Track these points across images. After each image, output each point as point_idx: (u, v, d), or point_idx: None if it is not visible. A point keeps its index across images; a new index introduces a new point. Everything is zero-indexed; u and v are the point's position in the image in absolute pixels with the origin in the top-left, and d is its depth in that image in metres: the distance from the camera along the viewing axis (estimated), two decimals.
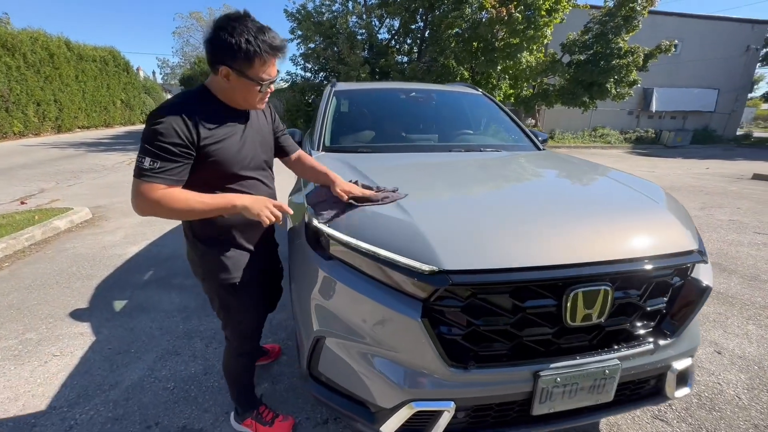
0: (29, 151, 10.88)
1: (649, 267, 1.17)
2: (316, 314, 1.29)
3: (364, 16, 14.93)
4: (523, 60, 12.94)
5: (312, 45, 14.71)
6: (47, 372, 1.99)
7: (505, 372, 1.15)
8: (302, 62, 15.19)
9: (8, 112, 13.58)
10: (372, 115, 2.67)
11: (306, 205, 1.49)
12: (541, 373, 1.14)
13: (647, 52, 13.17)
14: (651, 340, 1.27)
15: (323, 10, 14.88)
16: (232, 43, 1.09)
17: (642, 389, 1.37)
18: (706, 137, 19.59)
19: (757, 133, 25.70)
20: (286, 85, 16.19)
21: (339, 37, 13.81)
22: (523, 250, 1.12)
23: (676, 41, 15.61)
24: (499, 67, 13.30)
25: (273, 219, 1.23)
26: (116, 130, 19.87)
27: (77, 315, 2.55)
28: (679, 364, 1.32)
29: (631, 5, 12.48)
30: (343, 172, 1.62)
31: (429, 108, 2.80)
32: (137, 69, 28.65)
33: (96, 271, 3.26)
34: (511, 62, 13.01)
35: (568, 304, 1.11)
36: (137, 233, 4.22)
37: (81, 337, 2.29)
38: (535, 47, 12.94)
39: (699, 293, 1.28)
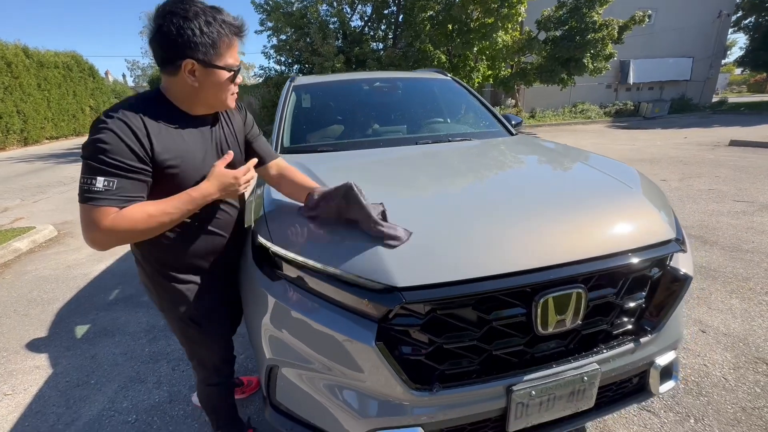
0: None
1: (624, 263, 1.07)
2: (267, 341, 1.16)
3: (335, 4, 14.50)
4: (499, 40, 12.78)
5: (284, 37, 14.25)
6: None
7: (474, 390, 1.04)
8: (275, 55, 14.72)
9: None
10: (334, 110, 2.51)
11: (252, 219, 1.35)
12: (514, 387, 1.04)
13: (621, 24, 13.12)
14: (631, 338, 1.18)
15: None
16: (191, 29, 0.91)
17: (625, 389, 1.29)
18: (684, 106, 19.80)
19: (732, 99, 26.14)
20: (260, 80, 15.73)
21: (311, 27, 13.39)
22: (484, 258, 1.01)
23: (650, 11, 15.55)
24: (475, 49, 13.13)
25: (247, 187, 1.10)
26: (86, 139, 19.14)
27: (34, 346, 2.38)
28: (662, 359, 1.24)
29: None
30: None
31: (395, 98, 2.65)
32: (105, 73, 27.61)
33: (58, 293, 3.07)
34: (487, 43, 12.85)
35: (539, 312, 1.01)
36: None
37: (36, 371, 2.13)
38: (510, 26, 12.79)
39: (679, 284, 1.19)
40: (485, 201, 1.29)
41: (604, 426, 1.58)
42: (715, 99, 22.18)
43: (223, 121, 1.17)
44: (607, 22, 12.76)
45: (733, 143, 8.66)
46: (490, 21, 12.20)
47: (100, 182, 0.89)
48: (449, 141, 2.13)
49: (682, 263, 1.24)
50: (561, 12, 13.20)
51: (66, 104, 19.03)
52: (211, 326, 1.25)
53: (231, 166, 1.10)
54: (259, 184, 1.72)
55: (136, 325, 2.54)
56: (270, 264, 1.18)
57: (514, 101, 17.78)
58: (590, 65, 13.19)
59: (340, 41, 14.52)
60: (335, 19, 14.47)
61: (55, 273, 3.48)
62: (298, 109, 2.48)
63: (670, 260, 1.21)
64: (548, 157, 1.85)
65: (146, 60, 48.39)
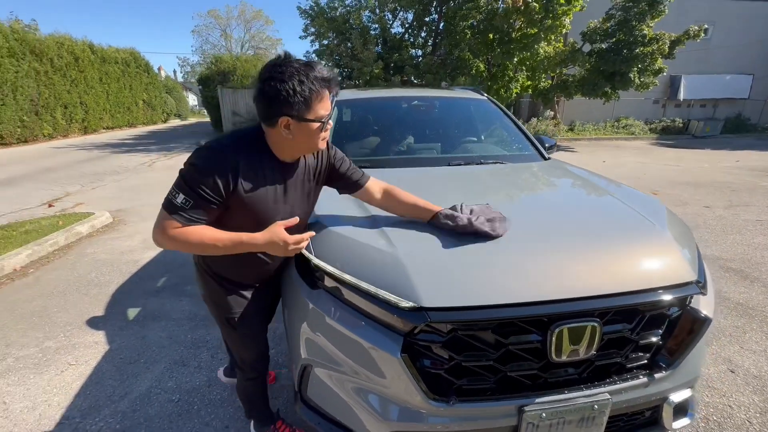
0: (57, 154, 11.37)
1: (640, 301, 1.13)
2: (303, 343, 1.30)
3: (377, 11, 14.78)
4: (541, 51, 12.56)
5: (326, 41, 14.69)
6: (63, 381, 2.09)
7: (488, 406, 1.13)
8: (316, 59, 15.19)
9: (38, 116, 14.19)
10: (372, 127, 2.66)
11: None
12: (526, 408, 1.12)
13: (674, 38, 12.53)
14: (645, 372, 1.23)
15: (336, 5, 14.83)
16: (285, 90, 1.03)
17: (637, 420, 1.33)
18: (739, 126, 18.57)
19: None
20: None
21: (352, 32, 13.74)
22: (505, 286, 1.10)
23: (706, 25, 14.74)
24: (515, 59, 12.96)
25: (293, 253, 1.21)
26: (139, 130, 20.50)
27: (93, 323, 2.67)
28: (677, 396, 1.28)
29: None
30: (334, 192, 1.63)
31: (431, 116, 2.76)
32: (158, 69, 29.43)
33: (113, 277, 3.40)
34: (528, 53, 12.65)
35: (553, 340, 1.09)
36: None
37: (95, 346, 2.40)
38: (553, 37, 12.54)
39: (697, 325, 1.23)
40: (512, 230, 1.38)
41: None
42: None
43: (304, 165, 1.29)
44: (658, 36, 12.24)
45: None
46: (533, 32, 12.03)
47: (180, 198, 1.08)
48: (481, 163, 2.22)
49: (703, 305, 1.27)
50: (609, 24, 12.80)
51: (122, 97, 20.48)
52: (246, 329, 1.41)
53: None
54: None
55: (180, 313, 2.79)
56: (311, 275, 1.33)
57: (552, 113, 17.37)
58: (637, 80, 12.69)
59: (379, 47, 14.79)
60: (377, 25, 14.74)
61: (111, 257, 3.84)
62: (339, 123, 2.64)
63: (690, 301, 1.25)
64: (577, 188, 1.90)
65: (195, 57, 51.07)
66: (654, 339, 1.22)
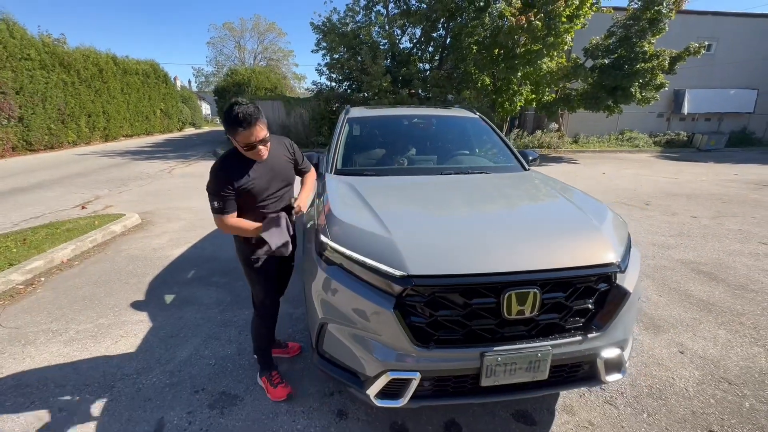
0: (82, 160, 12.07)
1: (569, 276, 1.53)
2: (321, 305, 1.72)
3: (387, 27, 15.43)
4: (544, 66, 13.02)
5: (336, 56, 15.35)
6: (118, 349, 2.53)
7: (458, 351, 1.53)
8: (327, 72, 15.86)
9: (64, 124, 15.02)
10: (379, 140, 3.10)
11: (316, 220, 1.94)
12: (486, 354, 1.51)
13: (674, 55, 12.90)
14: (580, 332, 1.61)
15: (347, 21, 15.52)
16: (226, 126, 1.71)
17: (578, 372, 1.71)
18: (744, 140, 18.73)
19: None
20: (311, 95, 16.94)
21: (362, 47, 14.37)
22: (469, 261, 1.51)
23: (707, 42, 15.08)
24: (519, 74, 13.42)
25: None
26: (156, 138, 21.36)
27: (136, 305, 3.11)
28: (608, 354, 1.66)
29: (656, 8, 12.31)
30: (347, 194, 2.08)
31: (429, 132, 3.20)
32: (174, 79, 30.55)
33: (148, 269, 3.86)
34: (532, 69, 13.12)
35: (504, 302, 1.49)
36: (181, 237, 4.84)
37: (141, 324, 2.84)
38: (555, 53, 12.99)
39: (621, 297, 1.62)
40: (479, 221, 1.80)
41: (570, 408, 1.98)
42: None
43: (274, 155, 1.90)
44: (658, 53, 12.63)
45: None
46: (536, 48, 12.50)
47: (214, 203, 1.77)
48: (468, 173, 2.64)
49: (627, 282, 1.66)
50: (610, 41, 13.23)
51: (142, 107, 21.42)
52: (263, 273, 1.97)
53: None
54: (318, 195, 2.33)
55: (209, 299, 3.22)
56: (327, 253, 1.75)
57: (557, 125, 17.76)
58: (638, 94, 13.05)
59: (388, 61, 15.40)
60: (386, 41, 15.37)
61: (144, 253, 4.31)
62: (350, 137, 3.09)
63: (616, 278, 1.64)
64: (540, 192, 2.31)
65: (209, 68, 52.58)
66: (586, 306, 1.61)
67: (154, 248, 4.46)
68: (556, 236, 1.70)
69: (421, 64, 16.28)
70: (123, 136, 19.83)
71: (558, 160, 13.54)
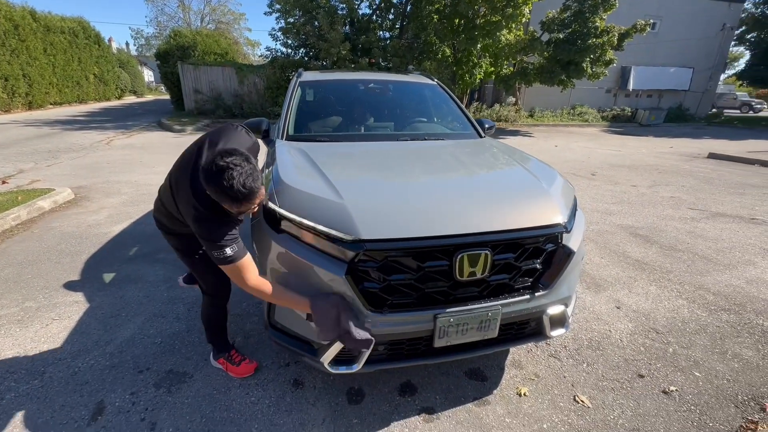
0: (1, 130, 10.67)
1: (519, 237, 1.55)
2: (272, 275, 1.64)
3: None
4: (503, 38, 13.07)
5: (291, 19, 14.44)
6: (49, 333, 2.31)
7: (412, 315, 1.53)
8: (282, 38, 14.93)
9: None
10: (333, 106, 2.96)
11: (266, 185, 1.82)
12: (439, 316, 1.53)
13: (623, 31, 13.43)
14: (528, 291, 1.67)
15: None
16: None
17: (525, 329, 1.79)
18: (680, 116, 20.24)
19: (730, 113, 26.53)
20: (266, 62, 15.94)
21: (319, 11, 13.60)
22: (422, 224, 1.49)
23: (652, 20, 15.87)
24: (479, 45, 13.40)
25: None
26: (91, 107, 19.33)
27: (70, 286, 2.85)
28: (553, 310, 1.73)
29: None
30: (298, 160, 1.96)
31: (386, 98, 3.10)
32: (109, 40, 27.44)
33: (84, 247, 3.53)
34: (491, 40, 13.13)
35: (456, 264, 1.49)
36: (121, 212, 4.46)
37: (76, 305, 2.61)
38: (514, 25, 13.05)
39: (566, 256, 1.69)
40: (432, 185, 1.78)
41: (519, 363, 2.09)
42: (712, 111, 22.61)
43: None
44: (608, 29, 13.07)
45: (711, 156, 9.17)
46: (495, 19, 12.47)
47: (226, 250, 1.41)
48: (425, 139, 2.60)
49: (572, 242, 1.73)
50: (565, 15, 13.47)
51: (71, 70, 19.13)
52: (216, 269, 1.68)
53: None
54: (267, 164, 2.19)
55: (155, 276, 3.02)
56: (276, 223, 1.65)
57: (514, 99, 18.15)
58: (589, 70, 13.54)
59: (347, 27, 14.73)
60: (344, 5, 14.64)
61: (78, 230, 3.93)
62: (303, 102, 2.92)
63: (561, 239, 1.70)
64: (494, 158, 2.33)
65: (150, 29, 47.72)
66: (534, 266, 1.66)
67: (90, 225, 4.08)
68: (507, 199, 1.72)
69: (381, 32, 15.75)
70: (51, 104, 17.71)
71: (514, 133, 13.92)
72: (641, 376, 2.01)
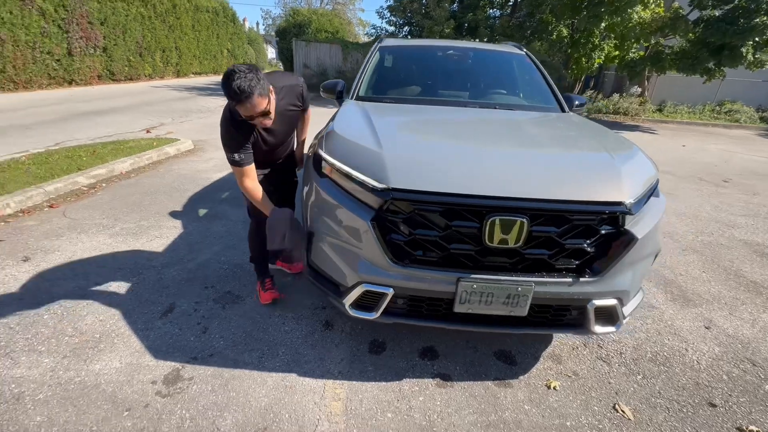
0: (155, 92, 13.00)
1: (564, 209, 1.39)
2: (310, 216, 1.75)
3: None
4: (635, 15, 11.24)
5: None
6: (151, 246, 2.84)
7: (434, 273, 1.50)
8: (388, 15, 15.11)
9: (141, 57, 16.09)
10: (408, 71, 2.94)
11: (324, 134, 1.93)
12: (462, 280, 1.47)
13: None
14: (572, 274, 1.50)
15: None
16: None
17: (564, 317, 1.61)
18: None
19: None
20: (370, 39, 16.37)
21: None
22: (454, 181, 1.43)
23: None
24: (603, 24, 11.76)
25: None
26: (221, 77, 22.27)
27: (174, 215, 3.43)
28: (600, 302, 1.53)
29: None
30: (355, 115, 2.04)
31: (464, 65, 2.95)
32: (243, 20, 30.99)
33: (190, 187, 4.18)
34: (619, 18, 11.40)
35: (487, 228, 1.40)
36: (224, 165, 5.13)
37: (174, 229, 3.14)
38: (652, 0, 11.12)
39: (626, 243, 1.46)
40: (480, 149, 1.67)
41: (558, 357, 1.91)
42: None
43: (282, 110, 1.84)
44: None
45: None
46: None
47: (234, 155, 1.76)
48: (495, 108, 2.43)
49: (638, 229, 1.48)
50: None
51: (210, 45, 22.17)
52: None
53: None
54: (332, 118, 2.30)
55: (236, 217, 3.45)
56: (320, 165, 1.75)
57: (640, 89, 15.59)
58: (750, 56, 10.92)
59: (456, 5, 14.23)
60: None
61: (190, 173, 4.66)
62: (379, 66, 2.96)
63: (623, 222, 1.47)
64: (566, 130, 2.07)
65: (278, 10, 52.36)
66: (582, 247, 1.47)
67: (198, 170, 4.80)
68: (560, 167, 1.54)
69: (491, 10, 14.86)
70: (192, 73, 20.86)
71: (633, 128, 12.05)
72: (713, 405, 1.67)
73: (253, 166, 1.81)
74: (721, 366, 1.91)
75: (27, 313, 2.02)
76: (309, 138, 2.27)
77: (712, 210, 4.36)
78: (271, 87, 1.68)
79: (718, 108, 15.74)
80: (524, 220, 1.39)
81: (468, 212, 1.43)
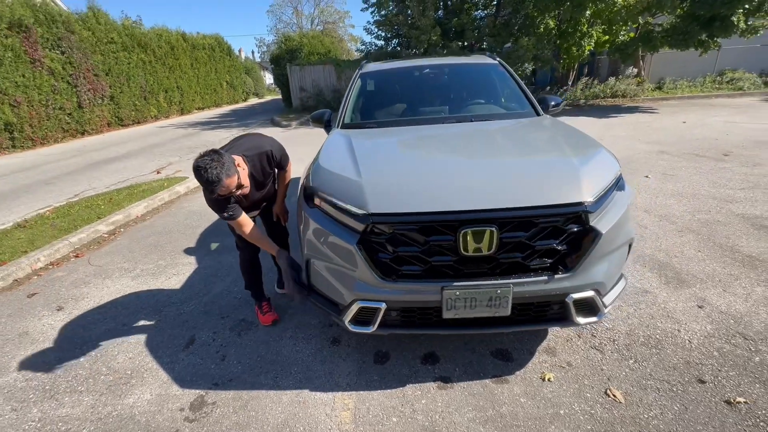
0: (161, 132, 13.56)
1: (528, 215, 1.52)
2: (306, 244, 1.92)
3: None
4: (618, 0, 11.28)
5: (384, 12, 14.83)
6: (170, 283, 3.05)
7: (419, 285, 1.65)
8: (375, 31, 15.47)
9: (146, 100, 16.81)
10: (388, 93, 3.12)
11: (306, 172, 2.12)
12: (445, 288, 1.61)
13: None
14: (547, 272, 1.62)
15: None
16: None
17: (547, 312, 1.73)
18: None
19: None
20: (360, 55, 16.75)
21: (411, 0, 13.67)
22: (426, 200, 1.58)
23: None
24: (588, 12, 11.84)
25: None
26: (223, 110, 22.97)
27: (188, 251, 3.66)
28: (578, 295, 1.65)
29: None
30: (340, 145, 2.22)
31: (440, 82, 3.13)
32: (238, 51, 32.01)
33: (201, 222, 4.43)
34: (603, 4, 11.46)
35: (460, 240, 1.55)
36: None
37: (189, 265, 3.36)
38: None
39: (592, 238, 1.58)
40: (451, 164, 1.83)
41: (552, 350, 2.01)
42: None
43: (256, 170, 2.12)
44: None
45: None
46: None
47: (223, 213, 2.00)
48: (471, 121, 2.58)
49: (602, 224, 1.60)
50: None
51: (210, 80, 22.97)
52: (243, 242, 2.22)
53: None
54: (315, 158, 2.49)
55: None
56: (309, 198, 1.92)
57: (636, 70, 15.48)
58: (741, 24, 10.79)
59: (441, 12, 14.49)
60: None
61: (200, 209, 4.92)
62: (362, 92, 3.15)
63: (588, 220, 1.59)
64: (535, 135, 2.22)
65: (271, 37, 53.89)
66: (552, 247, 1.60)
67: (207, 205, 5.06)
68: (523, 174, 1.68)
69: (476, 12, 15.06)
70: (196, 109, 21.63)
71: (632, 110, 12.00)
72: (702, 382, 1.75)
73: (244, 214, 2.05)
74: (713, 343, 1.99)
75: (66, 357, 2.23)
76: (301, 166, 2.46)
77: (709, 186, 4.38)
78: (240, 158, 1.94)
79: (719, 78, 15.52)
80: (493, 229, 1.53)
81: (442, 227, 1.57)
